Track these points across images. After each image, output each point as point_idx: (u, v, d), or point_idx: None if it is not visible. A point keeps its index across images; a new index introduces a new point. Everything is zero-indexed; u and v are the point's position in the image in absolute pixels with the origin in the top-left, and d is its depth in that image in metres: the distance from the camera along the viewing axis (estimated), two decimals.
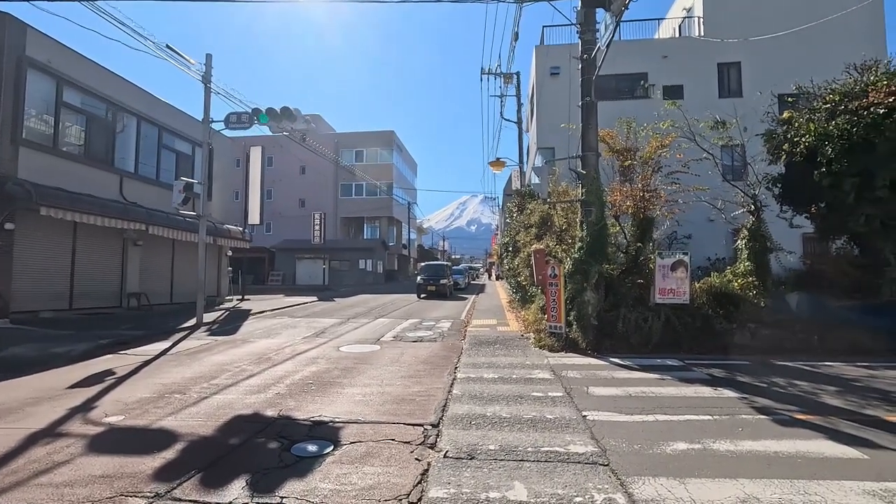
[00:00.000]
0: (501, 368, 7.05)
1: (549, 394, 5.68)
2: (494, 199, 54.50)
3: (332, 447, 4.01)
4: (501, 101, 26.10)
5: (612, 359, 7.72)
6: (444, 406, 5.19)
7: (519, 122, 24.32)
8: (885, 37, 16.77)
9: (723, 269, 10.44)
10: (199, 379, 6.42)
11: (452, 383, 6.18)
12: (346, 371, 6.90)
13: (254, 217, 20.46)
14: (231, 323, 12.50)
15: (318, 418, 4.75)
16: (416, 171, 56.82)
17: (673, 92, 16.47)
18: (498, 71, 25.28)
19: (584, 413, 4.92)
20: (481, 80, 26.91)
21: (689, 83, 17.31)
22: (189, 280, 17.30)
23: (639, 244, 9.13)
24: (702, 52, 17.44)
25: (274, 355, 8.10)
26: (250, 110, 11.93)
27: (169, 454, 3.83)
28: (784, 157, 8.67)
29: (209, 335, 10.49)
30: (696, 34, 17.88)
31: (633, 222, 9.33)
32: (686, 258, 8.66)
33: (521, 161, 21.44)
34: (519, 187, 16.93)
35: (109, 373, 6.82)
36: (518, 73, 24.98)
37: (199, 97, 12.27)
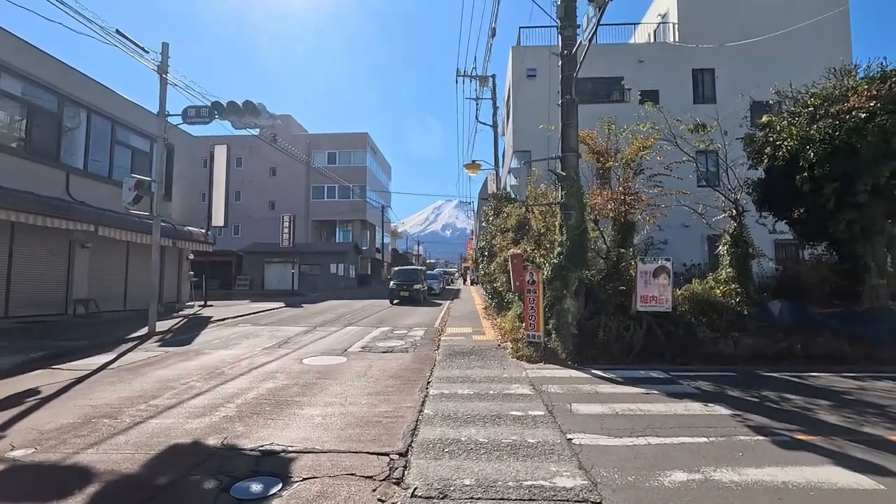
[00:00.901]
0: (477, 383, 6.53)
1: (530, 412, 5.18)
2: (469, 203, 54.27)
3: (279, 485, 3.40)
4: (477, 104, 25.80)
5: (594, 371, 7.29)
6: (415, 429, 4.63)
7: (494, 126, 24.02)
8: (852, 45, 17.15)
9: (700, 276, 10.23)
10: (137, 399, 5.67)
11: (424, 401, 5.62)
12: (306, 387, 6.25)
13: (218, 219, 19.45)
14: (187, 332, 11.61)
15: (268, 447, 4.12)
16: (390, 175, 56.12)
17: (649, 97, 16.38)
18: (473, 73, 24.99)
19: (570, 436, 4.44)
20: (457, 82, 26.52)
21: (664, 88, 17.28)
22: (145, 285, 16.22)
23: (620, 249, 8.79)
24: (677, 58, 17.46)
25: (228, 369, 7.36)
26: (210, 104, 11.13)
27: (75, 501, 3.15)
28: (766, 160, 8.48)
29: (160, 346, 9.63)
30: (671, 40, 17.90)
31: (614, 226, 8.99)
32: (668, 264, 8.34)
33: (496, 165, 21.09)
34: (495, 191, 16.52)
35: (33, 392, 5.98)
36: (494, 76, 24.77)
37: (170, 99, 11.39)
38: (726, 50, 17.45)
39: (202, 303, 19.19)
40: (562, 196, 8.46)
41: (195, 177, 20.17)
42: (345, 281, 38.32)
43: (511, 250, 10.27)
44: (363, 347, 9.44)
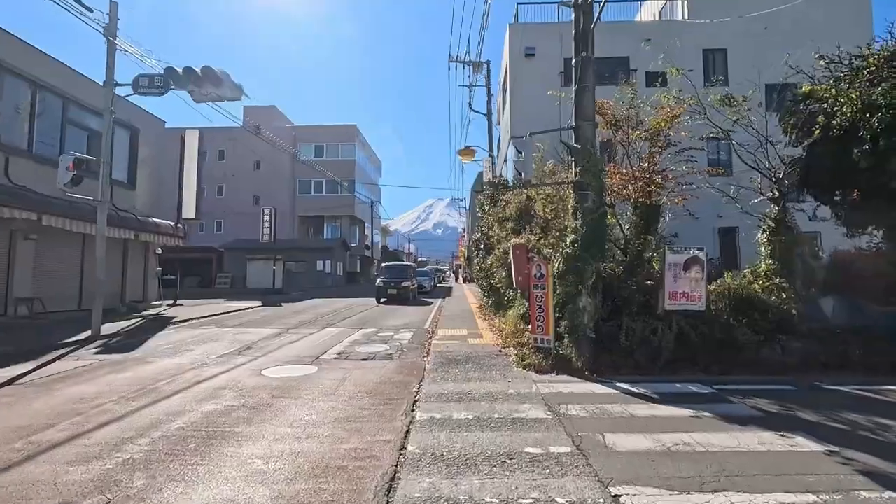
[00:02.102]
0: (477, 402, 5.14)
1: (552, 449, 3.81)
2: (462, 200, 53.02)
3: None
4: (470, 91, 24.42)
5: (619, 384, 5.94)
6: (392, 480, 3.24)
7: (489, 114, 22.67)
8: (873, 24, 16.00)
9: (715, 271, 8.96)
10: (22, 430, 4.20)
11: (408, 431, 4.23)
12: (255, 411, 4.81)
13: (189, 211, 17.82)
14: (138, 336, 10.08)
15: None
16: (380, 170, 54.59)
17: (655, 78, 15.15)
18: (467, 59, 23.67)
19: (615, 490, 3.08)
20: (449, 68, 25.18)
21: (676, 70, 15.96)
22: (107, 282, 14.67)
23: (644, 237, 7.43)
24: (686, 38, 16.17)
25: (165, 384, 5.90)
26: (163, 71, 9.61)
27: None
28: (818, 131, 7.16)
29: (98, 353, 8.12)
30: (681, 18, 16.63)
31: (636, 211, 7.64)
32: (702, 255, 7.02)
33: (491, 153, 19.77)
34: (491, 178, 15.17)
35: None
36: (488, 62, 23.40)
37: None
38: (739, 31, 16.24)
39: (172, 302, 17.59)
40: (576, 173, 7.09)
41: (167, 166, 18.54)
42: (332, 279, 36.78)
43: (512, 241, 8.89)
44: (339, 354, 8.00)
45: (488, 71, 23.46)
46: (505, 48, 19.16)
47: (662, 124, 7.39)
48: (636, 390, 5.62)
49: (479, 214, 13.89)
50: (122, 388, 5.66)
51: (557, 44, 16.95)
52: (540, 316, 7.17)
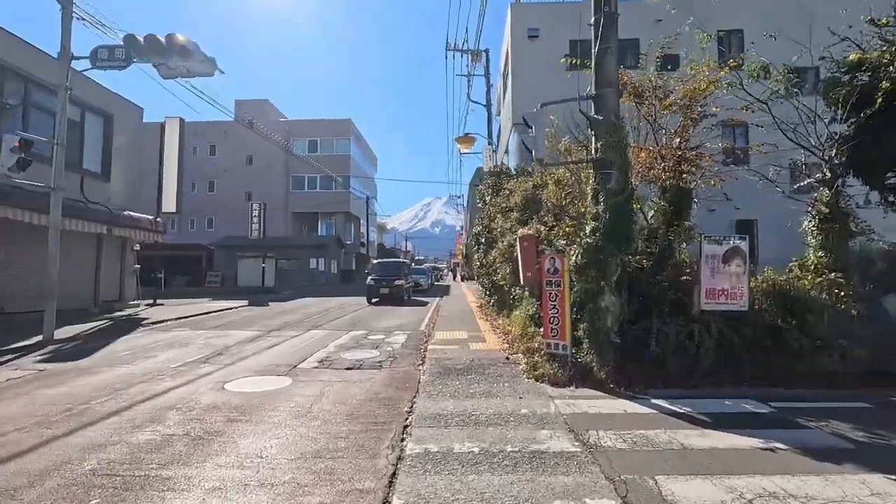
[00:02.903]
0: (484, 427, 4.08)
1: (587, 501, 2.76)
2: (459, 197, 52.05)
3: None
4: (469, 81, 23.35)
5: (654, 400, 4.90)
6: None
7: (488, 105, 21.61)
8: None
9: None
10: None
11: (395, 474, 3.17)
12: (199, 443, 3.74)
13: (169, 204, 16.73)
14: (100, 340, 9.00)
15: None
16: (376, 166, 53.46)
17: (668, 62, 14.13)
18: (465, 47, 22.66)
19: None
20: (446, 57, 24.07)
21: (686, 53, 14.94)
22: (77, 280, 13.58)
23: (676, 224, 6.37)
24: (700, 18, 15.11)
25: (101, 403, 4.82)
26: (122, 40, 8.50)
27: None
28: (880, 99, 6.12)
29: (43, 361, 7.04)
30: None
31: (664, 195, 6.58)
32: (744, 245, 5.99)
33: (490, 141, 18.76)
34: (493, 166, 14.10)
35: None
36: (487, 51, 22.38)
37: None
38: (756, 11, 15.24)
39: (151, 301, 16.46)
40: (596, 149, 6.04)
41: (148, 157, 17.39)
42: (326, 277, 35.71)
43: (519, 232, 7.84)
44: (321, 361, 6.92)
45: (487, 60, 22.43)
46: (506, 30, 18.08)
47: (700, 89, 6.30)
48: (678, 409, 4.58)
49: (479, 205, 12.83)
50: (44, 409, 4.59)
51: (562, 25, 15.92)
52: (554, 318, 6.12)
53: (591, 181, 6.18)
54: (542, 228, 7.76)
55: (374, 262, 21.61)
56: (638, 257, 6.20)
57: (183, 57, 8.44)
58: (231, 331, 10.17)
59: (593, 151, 6.16)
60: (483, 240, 11.94)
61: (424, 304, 17.48)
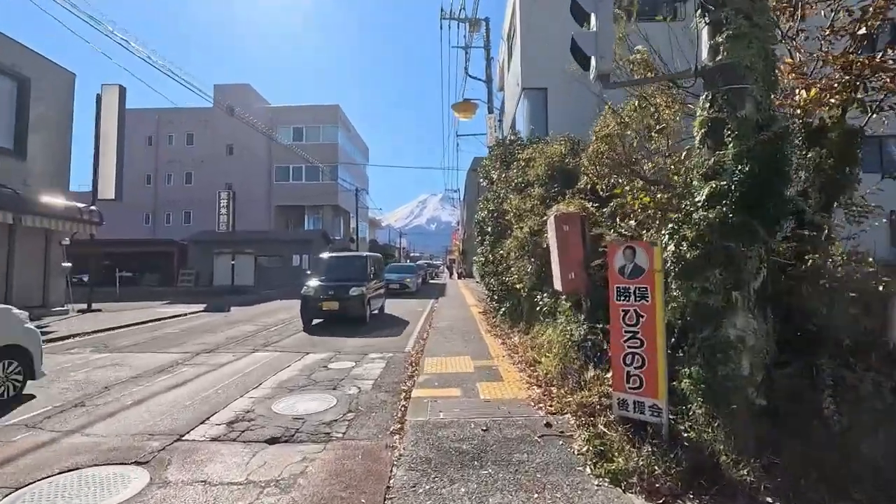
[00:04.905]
0: None
1: None
2: (455, 191, 49.45)
3: None
4: (466, 54, 20.71)
5: None
6: None
7: (489, 80, 18.91)
8: None
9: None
10: None
11: None
12: None
13: (106, 189, 13.88)
14: None
15: None
16: (367, 157, 50.56)
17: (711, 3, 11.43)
18: (462, 16, 20.00)
19: None
20: (441, 27, 21.47)
21: None
22: None
23: (839, 193, 3.64)
24: None
25: None
26: None
27: None
28: None
29: None
30: None
31: (824, 139, 3.81)
32: None
33: (490, 107, 16.12)
34: (501, 137, 11.33)
35: None
36: (487, 20, 19.81)
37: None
38: None
39: (86, 307, 13.62)
40: (713, 50, 3.31)
41: (85, 134, 14.52)
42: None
43: (555, 209, 5.11)
44: (232, 424, 4.15)
45: (487, 29, 19.79)
46: None
47: None
48: None
49: (483, 185, 10.06)
50: None
51: None
52: (634, 356, 3.41)
53: (700, 110, 3.43)
54: (589, 206, 5.02)
55: (320, 256, 13.88)
56: (785, 245, 3.45)
57: None
58: (147, 353, 7.37)
59: (704, 56, 3.42)
60: (489, 229, 9.18)
61: (415, 309, 14.68)
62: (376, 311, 12.19)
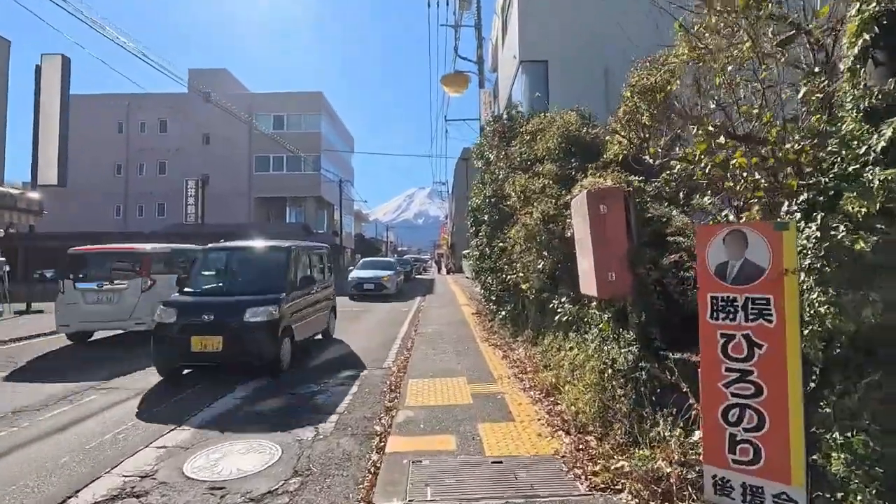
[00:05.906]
0: None
1: None
2: (444, 183, 47.99)
3: None
4: (456, 33, 19.26)
5: None
6: None
7: (480, 62, 17.49)
8: None
9: None
10: None
11: None
12: None
13: (47, 173, 12.19)
14: None
15: None
16: (352, 147, 48.77)
17: None
18: None
19: None
20: (429, 4, 19.95)
21: None
22: None
23: None
24: None
25: None
26: None
27: None
28: None
29: None
30: None
31: None
32: None
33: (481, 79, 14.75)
34: (497, 113, 9.96)
35: None
36: None
37: None
38: None
39: (24, 308, 11.96)
40: None
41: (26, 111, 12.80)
42: None
43: (585, 182, 3.75)
44: (114, 498, 2.73)
45: (479, 6, 18.36)
46: None
47: None
48: None
49: (478, 166, 8.67)
50: None
51: None
52: (743, 412, 2.06)
53: (865, 2, 2.07)
54: (621, 180, 3.66)
55: (209, 248, 7.26)
56: None
57: None
58: (46, 381, 5.84)
59: None
60: (485, 217, 7.77)
61: (399, 309, 13.24)
62: (319, 336, 7.67)
